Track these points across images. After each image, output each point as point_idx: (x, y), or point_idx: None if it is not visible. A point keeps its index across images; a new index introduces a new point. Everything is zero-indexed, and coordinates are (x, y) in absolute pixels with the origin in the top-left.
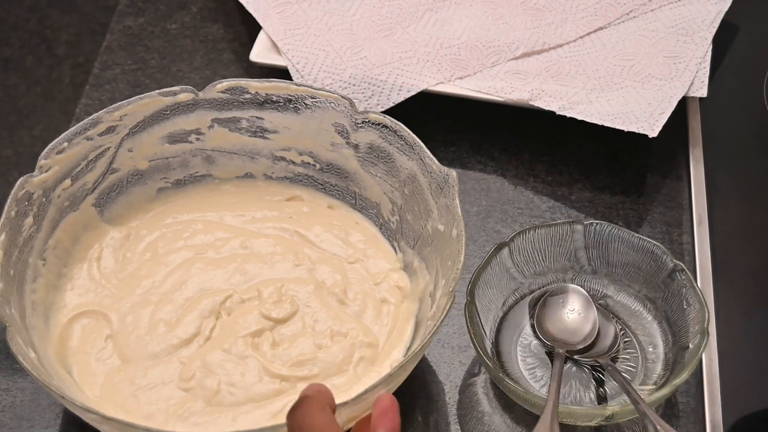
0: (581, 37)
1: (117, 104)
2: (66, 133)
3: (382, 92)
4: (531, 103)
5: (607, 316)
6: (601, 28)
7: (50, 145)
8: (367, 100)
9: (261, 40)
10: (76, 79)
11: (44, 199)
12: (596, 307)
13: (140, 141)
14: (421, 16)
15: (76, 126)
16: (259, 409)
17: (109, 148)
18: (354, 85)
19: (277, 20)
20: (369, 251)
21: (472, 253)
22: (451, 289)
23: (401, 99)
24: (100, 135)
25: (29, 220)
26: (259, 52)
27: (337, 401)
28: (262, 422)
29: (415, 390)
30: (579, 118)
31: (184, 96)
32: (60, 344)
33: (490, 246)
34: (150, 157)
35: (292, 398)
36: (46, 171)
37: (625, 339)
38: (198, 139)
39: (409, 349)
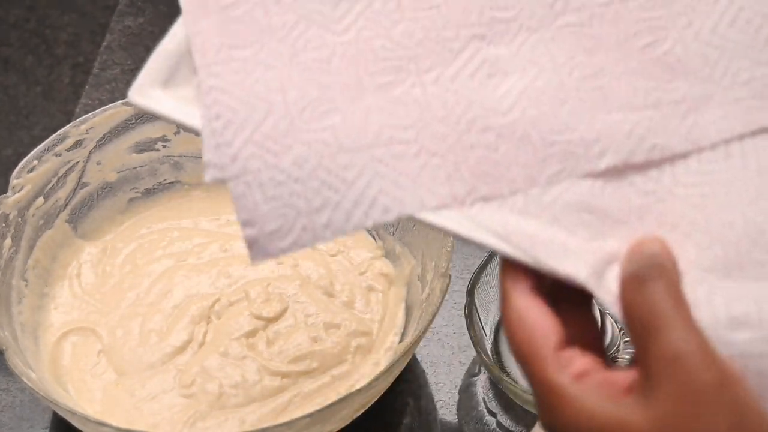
0: (726, 143)
1: (82, 117)
2: (35, 150)
3: (339, 204)
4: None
5: (606, 316)
6: (766, 132)
7: (21, 164)
8: (314, 213)
9: (166, 52)
10: (76, 79)
11: (20, 219)
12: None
13: (108, 153)
14: (459, 50)
15: (45, 143)
16: (264, 408)
17: (78, 162)
18: (297, 180)
19: (217, 24)
20: (348, 242)
21: (472, 253)
22: (444, 270)
23: (368, 224)
24: (68, 150)
25: (8, 241)
26: (153, 79)
27: (342, 391)
28: (269, 420)
29: (415, 390)
30: None
31: None
32: (52, 364)
33: None
34: (118, 168)
35: (294, 393)
36: (19, 191)
37: (625, 339)
38: (165, 146)
39: (403, 333)
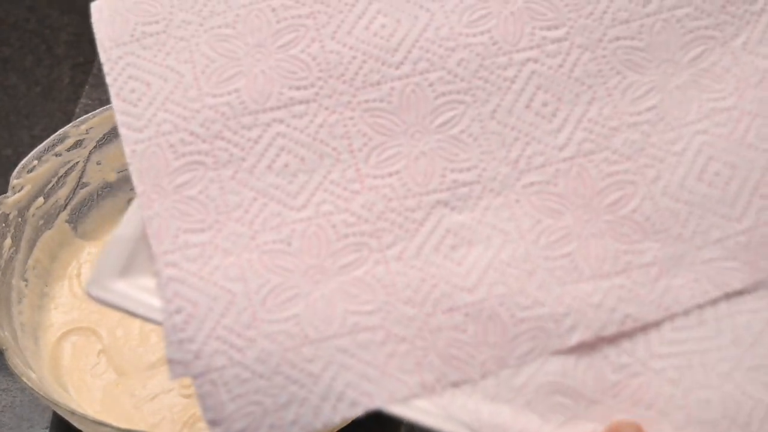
0: (699, 308)
1: (82, 117)
2: (35, 150)
3: (306, 400)
4: None
5: None
6: (740, 294)
7: (21, 164)
8: (281, 410)
9: (122, 240)
10: (76, 79)
11: (20, 219)
12: None
13: (108, 153)
14: (422, 220)
15: (44, 143)
16: None
17: (78, 162)
18: (262, 376)
19: (172, 206)
20: None
21: None
22: None
23: (337, 420)
24: (68, 150)
25: (8, 241)
26: (111, 270)
27: None
28: None
29: None
30: None
31: None
32: (53, 363)
33: None
34: (118, 168)
35: None
36: (19, 191)
37: None
38: None
39: None
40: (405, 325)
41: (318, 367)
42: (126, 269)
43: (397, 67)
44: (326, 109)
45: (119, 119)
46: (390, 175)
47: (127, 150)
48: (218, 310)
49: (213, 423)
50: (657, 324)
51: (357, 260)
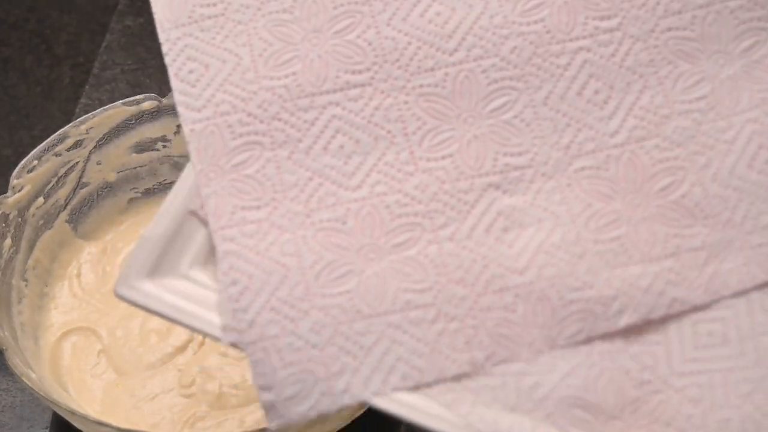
0: (723, 327)
1: (82, 117)
2: (35, 150)
3: (357, 370)
4: None
5: None
6: (765, 314)
7: (21, 164)
8: (332, 378)
9: (152, 240)
10: (76, 79)
11: (20, 219)
12: None
13: (108, 153)
14: (474, 202)
15: (44, 143)
16: None
17: (78, 162)
18: (315, 346)
19: (230, 184)
20: None
21: None
22: None
23: (387, 390)
24: (68, 150)
25: (8, 241)
26: (139, 269)
27: None
28: None
29: None
30: None
31: (148, 104)
32: (52, 363)
33: None
34: (118, 168)
35: None
36: (19, 191)
37: None
38: (165, 147)
39: None
40: (456, 305)
41: (370, 340)
42: (154, 270)
43: (451, 54)
44: (381, 93)
45: (177, 99)
46: (443, 158)
47: (185, 129)
48: (273, 283)
49: (264, 388)
50: (680, 341)
51: (410, 240)
